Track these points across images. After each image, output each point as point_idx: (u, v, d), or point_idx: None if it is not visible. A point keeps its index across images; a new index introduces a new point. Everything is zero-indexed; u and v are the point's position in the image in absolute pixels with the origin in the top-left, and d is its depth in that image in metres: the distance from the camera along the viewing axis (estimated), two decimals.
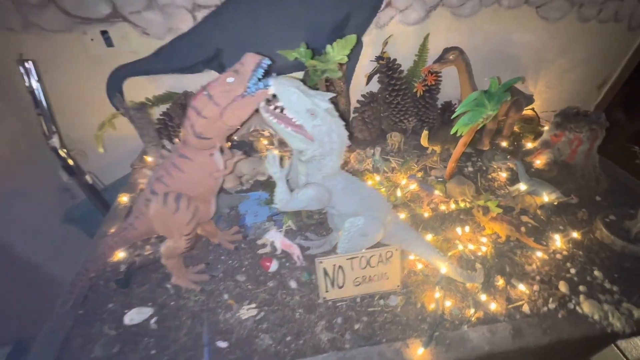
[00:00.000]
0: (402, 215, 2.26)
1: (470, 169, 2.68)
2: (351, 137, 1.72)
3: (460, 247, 1.99)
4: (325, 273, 1.61)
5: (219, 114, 1.29)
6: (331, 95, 1.39)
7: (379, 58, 2.66)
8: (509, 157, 2.62)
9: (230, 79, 1.26)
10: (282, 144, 2.75)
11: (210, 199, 1.62)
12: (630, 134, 3.47)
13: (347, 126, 1.40)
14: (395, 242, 1.78)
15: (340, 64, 2.47)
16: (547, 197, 2.23)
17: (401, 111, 2.86)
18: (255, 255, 1.92)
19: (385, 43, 2.63)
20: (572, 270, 1.89)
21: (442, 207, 2.32)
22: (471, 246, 2.02)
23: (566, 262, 1.94)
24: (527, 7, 2.82)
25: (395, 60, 2.72)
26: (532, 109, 3.20)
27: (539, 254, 1.97)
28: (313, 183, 1.48)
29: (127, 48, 2.46)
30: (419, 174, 2.58)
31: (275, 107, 1.31)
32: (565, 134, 2.39)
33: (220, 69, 2.67)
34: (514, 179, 2.51)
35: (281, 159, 1.53)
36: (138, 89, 2.66)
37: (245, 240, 2.01)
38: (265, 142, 2.80)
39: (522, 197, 2.19)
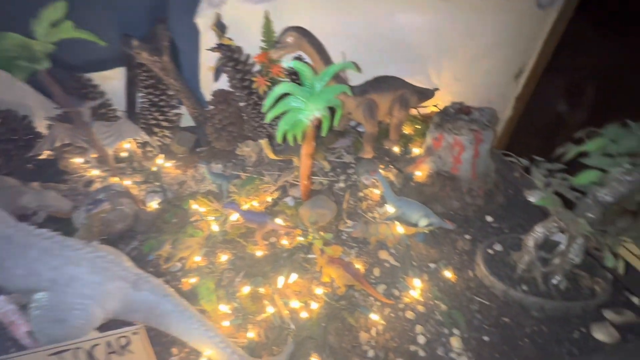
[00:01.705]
0: (225, 257, 1.65)
1: (342, 184, 2.10)
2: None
3: (271, 309, 1.39)
4: None
5: None
6: None
7: (219, 47, 2.05)
8: (376, 169, 2.05)
9: None
10: (102, 161, 2.09)
11: None
12: (560, 129, 2.99)
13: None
14: (140, 320, 1.16)
15: (159, 55, 1.86)
16: (418, 223, 1.67)
17: (261, 112, 2.25)
18: None
19: (217, 26, 2.01)
20: (422, 340, 1.32)
21: (284, 242, 1.72)
22: (296, 303, 1.43)
23: (418, 324, 1.37)
24: None
25: (240, 48, 2.11)
26: (436, 105, 2.66)
27: (387, 310, 1.40)
28: None
29: None
30: (266, 196, 1.97)
31: None
32: (445, 136, 1.83)
33: None
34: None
35: None
36: None
37: None
38: (79, 160, 2.14)
39: (376, 226, 1.62)
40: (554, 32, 2.69)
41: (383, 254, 1.63)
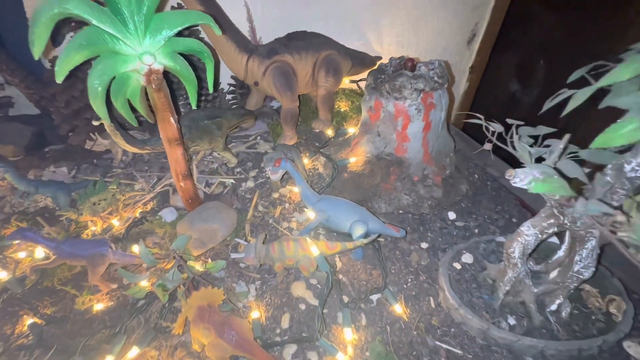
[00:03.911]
0: (30, 321, 0.96)
1: (251, 183, 1.48)
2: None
3: None
4: None
5: None
6: None
7: None
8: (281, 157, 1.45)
9: None
10: None
11: None
12: (511, 96, 2.60)
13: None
14: None
15: None
16: (351, 232, 1.10)
17: None
18: None
19: None
20: None
21: (143, 283, 1.06)
22: None
23: None
24: None
25: None
26: None
27: None
28: None
29: None
30: (138, 210, 1.30)
31: None
32: (382, 103, 1.28)
33: None
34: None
35: None
36: None
37: None
38: None
39: (282, 246, 1.01)
40: None
41: (298, 289, 1.03)
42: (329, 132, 1.75)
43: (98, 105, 0.87)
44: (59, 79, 0.80)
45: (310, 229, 1.16)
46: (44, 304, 1.01)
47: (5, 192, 1.36)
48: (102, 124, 1.08)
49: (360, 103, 1.91)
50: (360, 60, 1.87)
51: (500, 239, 1.14)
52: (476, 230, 1.26)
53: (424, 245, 1.20)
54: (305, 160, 1.52)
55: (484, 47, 2.55)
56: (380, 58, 2.04)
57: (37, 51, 0.73)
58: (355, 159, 1.40)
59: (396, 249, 1.19)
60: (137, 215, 1.32)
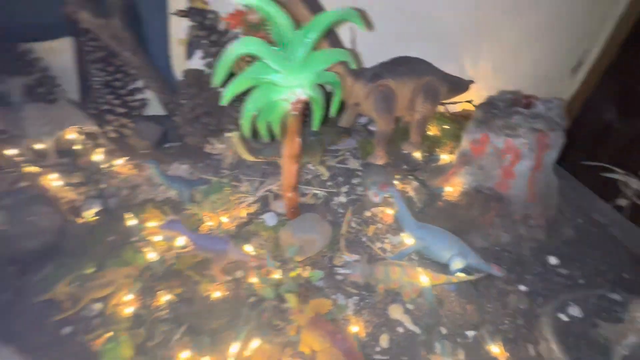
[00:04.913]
0: (166, 297, 1.15)
1: (343, 199, 1.57)
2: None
3: None
4: None
5: None
6: None
7: (188, 11, 1.56)
8: (391, 181, 1.50)
9: None
10: (41, 155, 1.64)
11: None
12: (625, 137, 2.35)
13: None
14: None
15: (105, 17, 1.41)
16: (449, 264, 1.12)
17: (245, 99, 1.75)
18: None
19: None
20: None
21: (253, 279, 1.20)
22: None
23: None
24: None
25: (217, 14, 1.62)
26: (470, 102, 2.10)
27: None
28: None
29: None
30: (244, 211, 1.46)
31: None
32: (490, 138, 1.28)
33: None
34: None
35: None
36: None
37: None
38: (13, 151, 1.69)
39: (385, 268, 1.07)
40: (630, 13, 2.09)
41: (395, 311, 1.08)
42: (417, 155, 1.78)
43: (246, 125, 1.01)
44: (224, 102, 0.95)
45: (406, 254, 1.20)
46: (175, 284, 1.20)
47: (140, 182, 1.62)
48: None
49: (452, 129, 1.91)
50: (456, 84, 1.86)
51: (615, 296, 1.07)
52: (581, 281, 1.19)
53: (523, 288, 1.17)
54: (395, 182, 1.57)
55: (593, 72, 2.35)
56: (472, 82, 2.01)
57: (218, 79, 0.88)
58: (452, 189, 1.41)
59: (492, 286, 1.18)
60: (244, 215, 1.48)
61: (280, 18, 0.81)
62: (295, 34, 0.86)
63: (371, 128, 1.98)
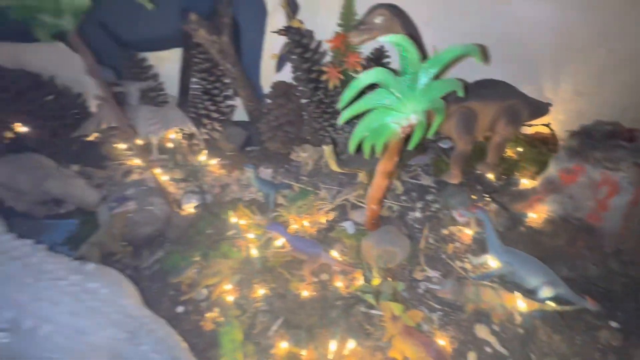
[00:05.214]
0: (261, 292, 1.27)
1: (418, 214, 1.62)
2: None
3: None
4: None
5: None
6: None
7: (287, 29, 1.71)
8: (474, 202, 1.53)
9: None
10: (145, 150, 1.87)
11: None
12: None
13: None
14: None
15: (218, 34, 1.59)
16: (537, 291, 1.14)
17: (327, 112, 1.87)
18: None
19: (288, 4, 1.67)
20: None
21: (338, 283, 1.30)
22: None
23: None
24: None
25: (311, 32, 1.75)
26: (547, 125, 2.06)
27: None
28: None
29: None
30: (323, 217, 1.57)
31: None
32: (586, 169, 1.27)
33: None
34: (484, 242, 1.41)
35: None
36: None
37: None
38: (122, 146, 1.94)
39: (476, 289, 1.11)
40: None
41: (482, 331, 1.12)
42: (491, 177, 1.78)
43: (354, 143, 1.10)
44: (341, 122, 1.05)
45: (490, 276, 1.23)
46: (269, 279, 1.32)
47: (230, 182, 1.79)
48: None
49: (529, 152, 1.89)
50: (537, 108, 1.84)
51: None
52: None
53: (615, 324, 1.15)
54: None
55: None
56: (550, 105, 1.97)
57: (344, 101, 0.98)
58: (535, 215, 1.41)
59: (580, 319, 1.17)
60: (323, 221, 1.58)
61: (413, 53, 0.90)
62: (421, 66, 0.94)
63: (442, 146, 2.01)
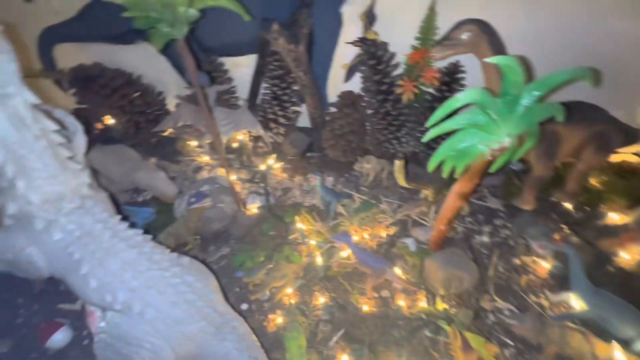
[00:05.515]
0: (322, 300, 1.28)
1: (485, 238, 1.54)
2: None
3: None
4: None
5: None
6: None
7: (362, 40, 1.72)
8: (558, 236, 1.41)
9: None
10: (214, 149, 1.99)
11: None
12: None
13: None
14: None
15: (295, 43, 1.64)
16: (633, 343, 1.02)
17: (392, 125, 1.85)
18: None
19: (367, 16, 1.68)
20: None
21: (400, 302, 1.27)
22: None
23: None
24: None
25: (386, 44, 1.75)
26: (638, 154, 1.86)
27: None
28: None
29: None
30: (383, 231, 1.54)
31: None
32: None
33: None
34: (563, 279, 1.30)
35: None
36: (68, 56, 2.20)
37: None
38: (194, 143, 2.08)
39: (562, 331, 1.02)
40: None
41: None
42: (569, 207, 1.64)
43: (435, 163, 1.07)
44: (426, 139, 1.03)
45: (573, 318, 1.13)
46: (330, 288, 1.33)
47: (292, 186, 1.84)
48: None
49: (616, 183, 1.71)
50: (631, 135, 1.67)
51: None
52: None
53: None
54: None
55: None
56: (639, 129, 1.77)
57: (435, 119, 0.96)
58: (628, 256, 1.27)
59: None
60: (383, 235, 1.56)
61: (519, 75, 0.86)
62: (525, 88, 0.89)
63: (513, 167, 1.90)
